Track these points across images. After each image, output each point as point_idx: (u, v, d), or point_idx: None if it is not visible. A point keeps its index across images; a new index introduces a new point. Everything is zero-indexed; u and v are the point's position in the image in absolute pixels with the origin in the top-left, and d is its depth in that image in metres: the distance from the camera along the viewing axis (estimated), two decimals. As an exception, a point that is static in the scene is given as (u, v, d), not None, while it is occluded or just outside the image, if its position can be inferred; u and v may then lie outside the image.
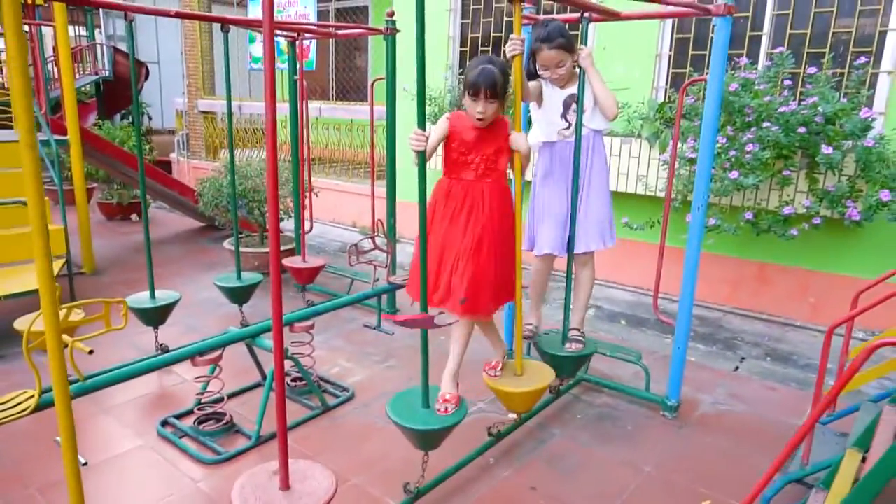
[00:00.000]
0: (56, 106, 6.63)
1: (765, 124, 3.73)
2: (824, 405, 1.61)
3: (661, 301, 3.62)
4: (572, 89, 2.91)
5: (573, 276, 2.96)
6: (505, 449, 2.80)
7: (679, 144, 4.13)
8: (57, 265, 4.32)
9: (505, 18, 5.58)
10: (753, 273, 4.58)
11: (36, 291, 3.83)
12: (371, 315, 4.42)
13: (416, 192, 2.10)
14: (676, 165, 4.21)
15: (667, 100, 4.64)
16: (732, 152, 3.83)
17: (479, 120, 2.26)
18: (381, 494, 2.45)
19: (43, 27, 5.89)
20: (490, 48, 5.72)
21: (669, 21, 4.70)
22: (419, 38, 1.95)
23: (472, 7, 5.80)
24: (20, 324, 2.82)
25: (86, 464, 2.55)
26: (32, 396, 2.28)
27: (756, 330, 4.37)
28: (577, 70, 2.75)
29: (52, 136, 4.57)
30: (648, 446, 2.87)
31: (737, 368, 3.80)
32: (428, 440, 2.22)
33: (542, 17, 3.10)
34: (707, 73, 2.79)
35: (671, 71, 4.79)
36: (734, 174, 3.76)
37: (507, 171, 2.40)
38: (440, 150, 2.40)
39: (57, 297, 1.26)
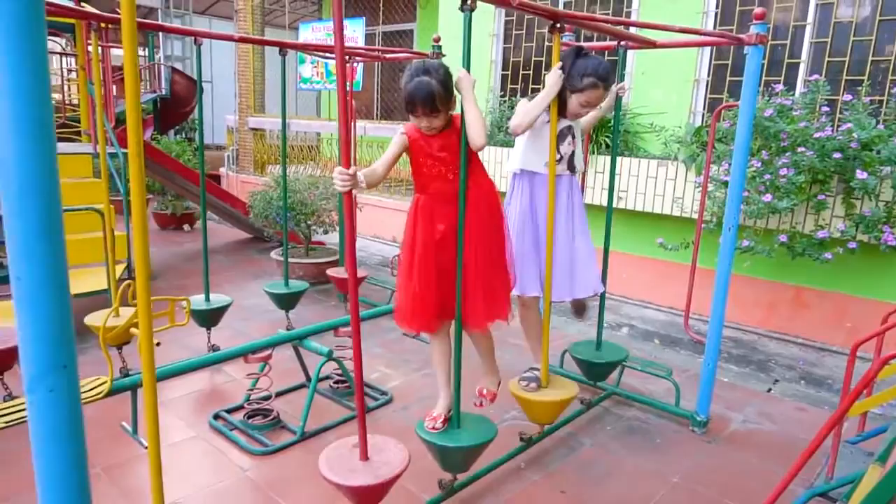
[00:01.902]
0: (118, 121, 7.07)
1: (800, 149, 3.79)
2: (839, 414, 1.70)
3: (695, 323, 3.70)
4: (568, 121, 2.72)
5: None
6: (535, 455, 2.92)
7: (715, 168, 4.22)
8: (119, 269, 4.63)
9: (546, 44, 5.76)
10: (790, 297, 4.60)
11: (101, 291, 4.14)
12: (409, 325, 4.59)
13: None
14: (712, 188, 4.31)
15: (703, 124, 4.73)
16: (767, 176, 3.90)
17: (427, 129, 2.17)
18: (417, 490, 2.59)
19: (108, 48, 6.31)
20: (531, 72, 5.91)
21: (708, 48, 4.81)
22: (465, 63, 2.12)
23: (514, 32, 6.01)
24: (91, 319, 3.09)
25: (147, 447, 2.77)
26: (105, 382, 2.51)
27: (791, 353, 4.38)
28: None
29: (119, 148, 4.91)
30: (676, 458, 2.94)
31: (769, 390, 3.83)
32: (451, 458, 2.27)
33: (580, 45, 3.25)
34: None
35: (709, 96, 4.89)
36: (768, 197, 3.83)
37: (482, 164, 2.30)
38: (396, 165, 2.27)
39: (148, 291, 1.46)
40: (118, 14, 2.60)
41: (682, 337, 4.51)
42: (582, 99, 2.63)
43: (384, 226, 7.42)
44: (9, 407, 2.94)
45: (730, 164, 4.12)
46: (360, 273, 4.59)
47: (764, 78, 4.51)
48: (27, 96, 0.78)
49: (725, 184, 4.21)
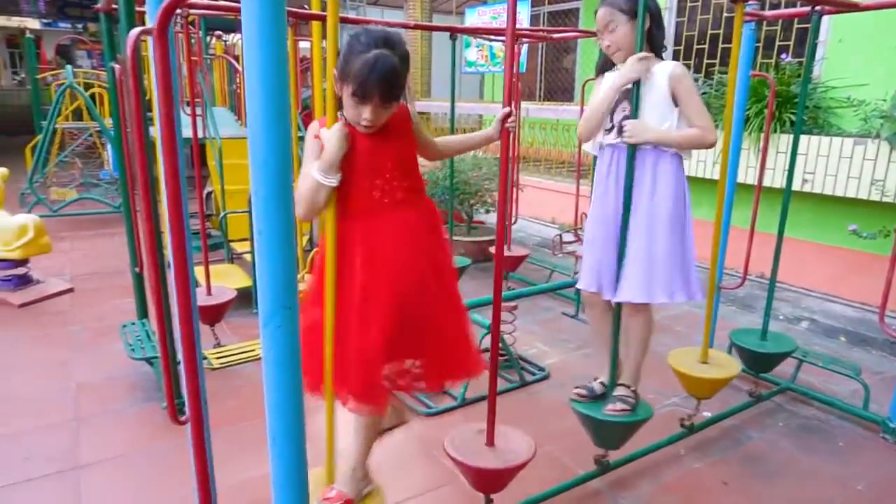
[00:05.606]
0: (303, 107, 7.81)
1: None
2: None
3: (893, 321, 3.28)
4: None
5: (622, 322, 2.27)
6: (698, 443, 2.83)
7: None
8: (304, 240, 5.16)
9: (724, 15, 5.37)
10: None
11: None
12: (568, 305, 4.61)
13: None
14: (922, 169, 3.78)
15: (917, 96, 4.14)
16: None
17: (366, 127, 1.61)
18: (572, 464, 2.65)
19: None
20: (706, 46, 5.55)
21: (925, 7, 4.19)
22: (640, 38, 2.09)
23: (688, 5, 5.67)
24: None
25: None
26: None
27: None
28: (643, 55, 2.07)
29: (306, 132, 5.45)
30: (862, 465, 2.69)
31: None
32: (604, 433, 2.28)
33: (767, 13, 3.02)
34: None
35: (925, 63, 4.27)
36: None
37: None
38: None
39: (335, 259, 1.67)
40: (306, 10, 2.90)
41: (876, 336, 4.04)
42: None
43: (544, 208, 7.44)
44: (221, 352, 3.46)
45: (947, 142, 3.60)
46: (523, 251, 4.69)
47: None
48: (272, 83, 0.95)
49: (941, 164, 3.67)
